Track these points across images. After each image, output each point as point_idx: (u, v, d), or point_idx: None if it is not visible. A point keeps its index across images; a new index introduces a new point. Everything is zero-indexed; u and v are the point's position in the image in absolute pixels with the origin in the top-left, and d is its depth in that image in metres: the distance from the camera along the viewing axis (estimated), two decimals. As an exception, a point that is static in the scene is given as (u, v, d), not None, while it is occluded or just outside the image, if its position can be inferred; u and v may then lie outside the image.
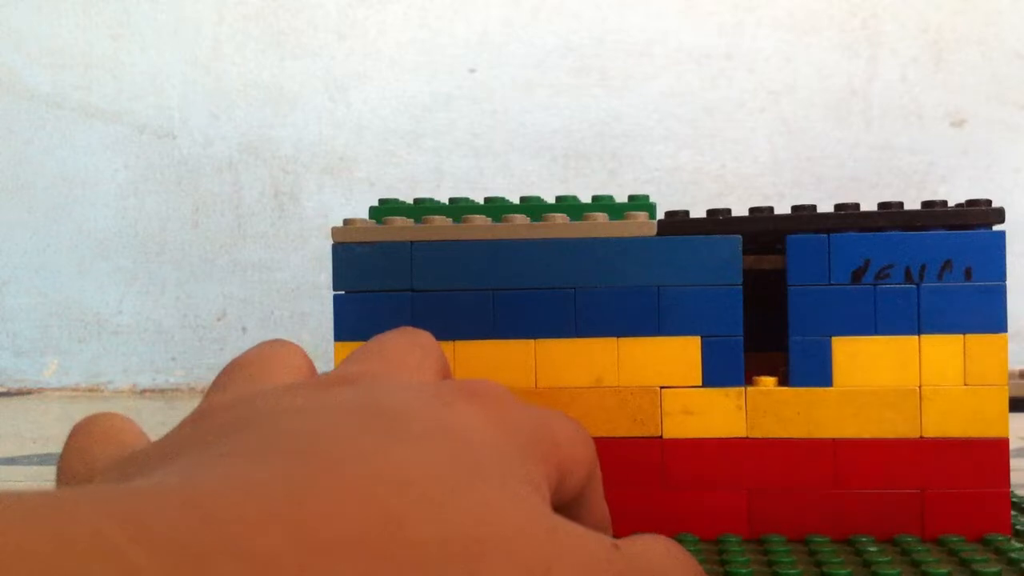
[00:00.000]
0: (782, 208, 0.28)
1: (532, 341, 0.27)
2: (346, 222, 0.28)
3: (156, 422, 0.57)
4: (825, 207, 0.28)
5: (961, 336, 0.26)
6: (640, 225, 0.27)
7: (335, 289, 0.27)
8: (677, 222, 0.27)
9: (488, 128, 0.73)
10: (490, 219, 0.27)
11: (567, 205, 0.30)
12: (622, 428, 0.26)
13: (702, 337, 0.27)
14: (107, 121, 0.73)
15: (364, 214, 0.39)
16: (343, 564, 0.10)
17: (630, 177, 0.72)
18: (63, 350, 0.73)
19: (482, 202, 0.31)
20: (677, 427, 0.27)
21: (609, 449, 0.26)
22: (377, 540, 0.11)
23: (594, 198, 0.30)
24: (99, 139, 0.73)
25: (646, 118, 0.73)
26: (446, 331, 0.27)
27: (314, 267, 0.73)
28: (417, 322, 0.26)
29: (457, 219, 0.27)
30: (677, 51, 0.73)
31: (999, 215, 0.27)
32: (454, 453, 0.13)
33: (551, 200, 0.31)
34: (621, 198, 0.30)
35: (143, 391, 0.73)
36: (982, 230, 0.27)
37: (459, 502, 0.12)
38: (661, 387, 0.27)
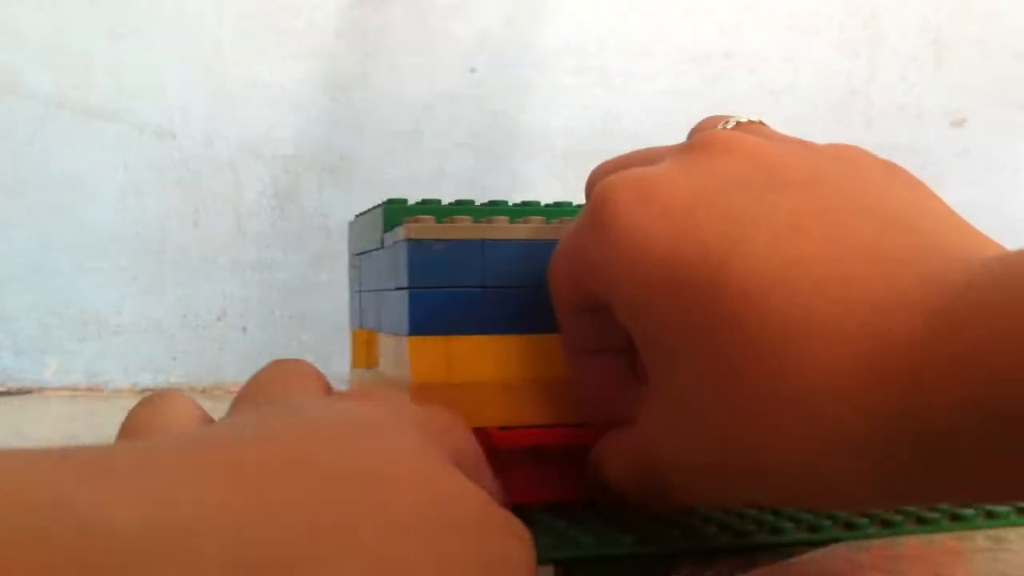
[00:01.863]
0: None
1: None
2: (413, 219, 0.28)
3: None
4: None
5: None
6: None
7: (411, 284, 0.27)
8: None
9: (488, 128, 0.73)
10: (544, 219, 0.29)
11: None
12: None
13: None
14: (107, 121, 0.73)
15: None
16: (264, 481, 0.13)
17: (630, 177, 0.72)
18: (63, 350, 0.73)
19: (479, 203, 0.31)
20: None
21: None
22: (292, 467, 0.14)
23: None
24: (99, 139, 0.73)
25: (646, 118, 0.73)
26: (515, 325, 0.28)
27: (314, 267, 0.73)
28: (489, 316, 0.28)
29: (513, 219, 0.29)
30: (677, 51, 0.73)
31: None
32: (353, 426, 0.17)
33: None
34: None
35: (143, 391, 0.73)
36: None
37: (359, 448, 0.15)
38: None
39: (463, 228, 0.28)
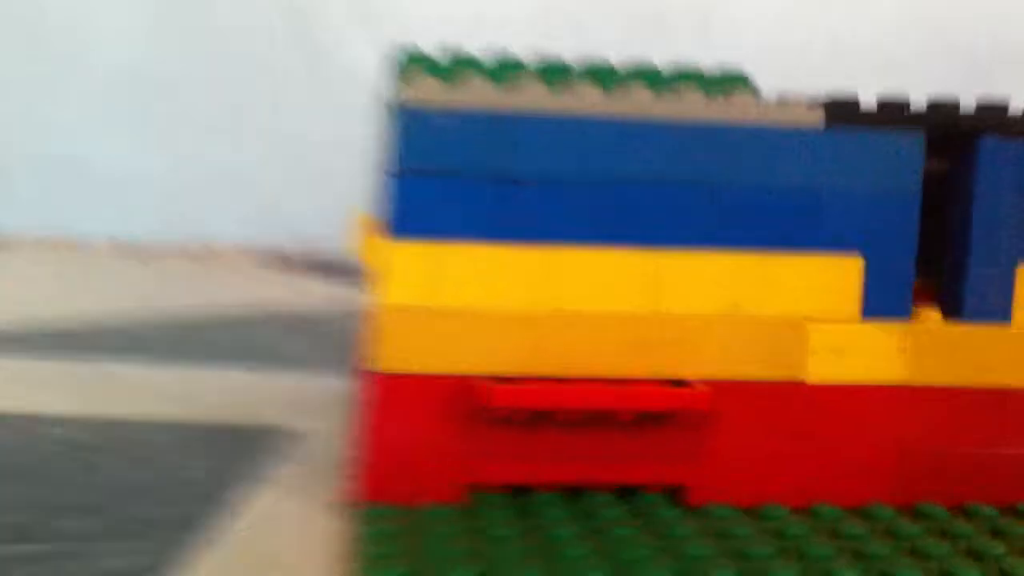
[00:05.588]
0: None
1: (654, 251, 0.20)
2: (412, 78, 0.20)
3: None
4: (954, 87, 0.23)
5: None
6: (802, 112, 0.20)
7: (399, 165, 0.20)
8: (848, 112, 0.21)
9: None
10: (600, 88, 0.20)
11: (643, 74, 0.23)
12: (755, 369, 0.21)
13: (865, 257, 0.21)
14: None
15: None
16: None
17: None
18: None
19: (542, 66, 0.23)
20: (824, 369, 0.21)
21: (736, 395, 0.21)
22: None
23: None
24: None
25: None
26: (543, 232, 0.20)
27: (339, 125, 0.66)
28: (507, 218, 0.20)
29: (551, 84, 0.20)
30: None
31: None
32: None
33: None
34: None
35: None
36: None
37: None
38: (808, 319, 0.21)
39: (482, 93, 0.20)
